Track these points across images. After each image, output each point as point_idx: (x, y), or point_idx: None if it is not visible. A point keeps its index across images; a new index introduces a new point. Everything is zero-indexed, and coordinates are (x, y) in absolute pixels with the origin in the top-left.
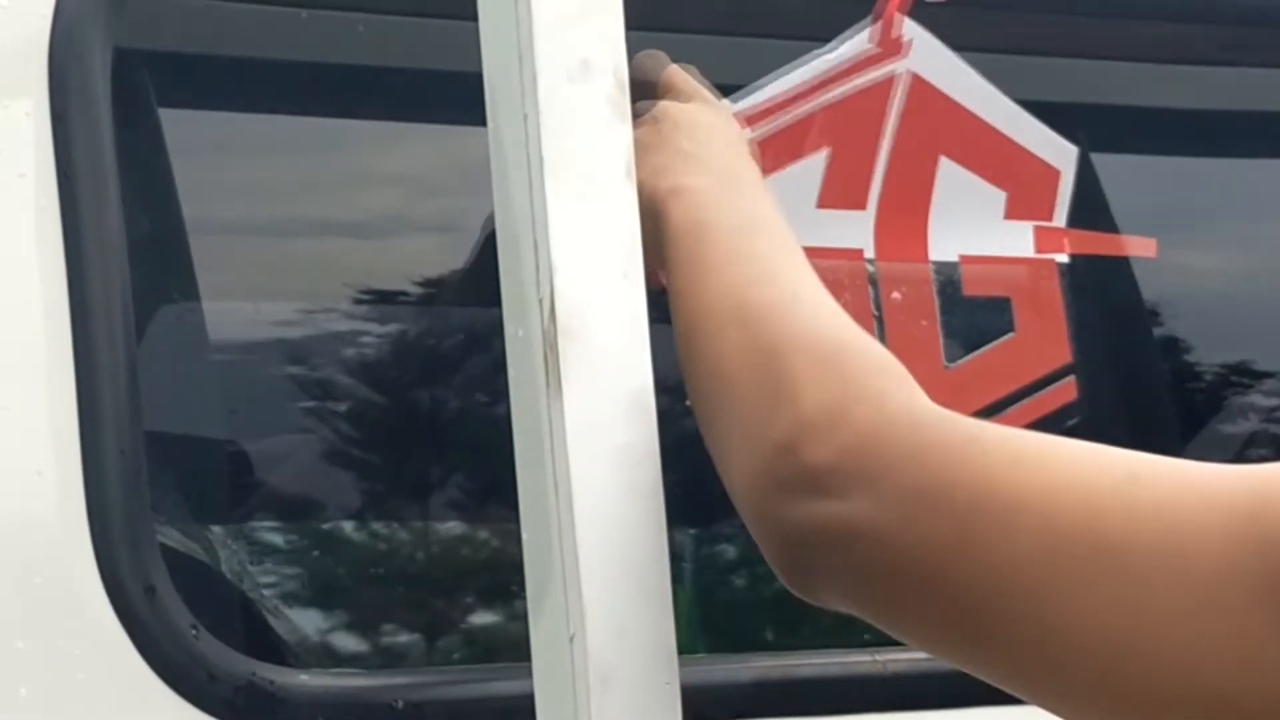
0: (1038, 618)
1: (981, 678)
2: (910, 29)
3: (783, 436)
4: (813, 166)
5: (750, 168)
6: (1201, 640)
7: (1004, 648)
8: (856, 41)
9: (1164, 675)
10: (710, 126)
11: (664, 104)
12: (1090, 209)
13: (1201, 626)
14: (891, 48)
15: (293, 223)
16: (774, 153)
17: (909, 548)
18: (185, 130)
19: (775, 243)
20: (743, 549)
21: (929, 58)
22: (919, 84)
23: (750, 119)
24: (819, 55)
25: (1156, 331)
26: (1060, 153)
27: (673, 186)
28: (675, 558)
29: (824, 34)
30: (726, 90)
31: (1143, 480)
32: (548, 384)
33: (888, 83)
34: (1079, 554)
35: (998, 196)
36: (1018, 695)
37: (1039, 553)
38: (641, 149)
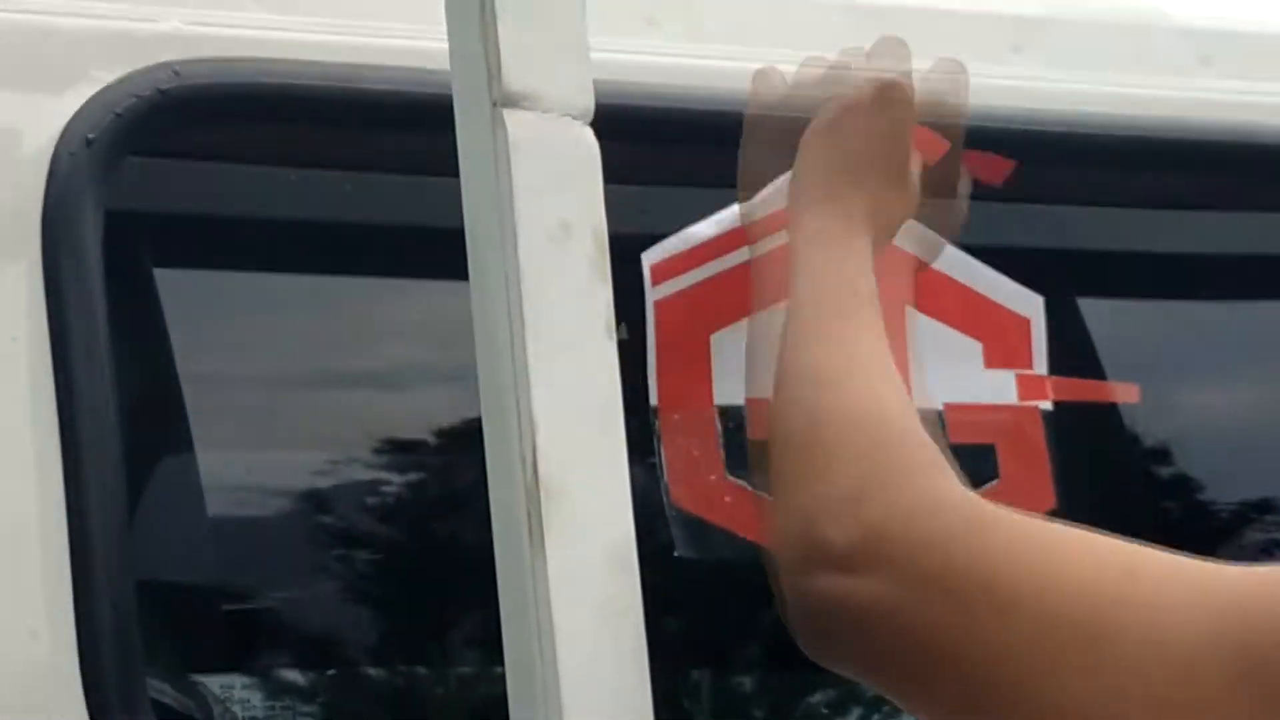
0: (1035, 701)
1: None
2: None
3: (812, 508)
4: (778, 317)
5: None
6: None
7: None
8: (779, 193)
9: None
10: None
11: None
12: (1070, 355)
13: (1186, 713)
14: None
15: (284, 378)
16: (727, 299)
17: (920, 629)
18: (177, 289)
19: (865, 318)
20: (756, 690)
21: None
22: None
23: (683, 261)
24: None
25: (1141, 475)
26: (1026, 302)
27: (816, 229)
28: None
29: None
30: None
31: (1139, 577)
32: (530, 539)
33: None
34: (1075, 645)
35: (974, 346)
36: None
37: (1038, 641)
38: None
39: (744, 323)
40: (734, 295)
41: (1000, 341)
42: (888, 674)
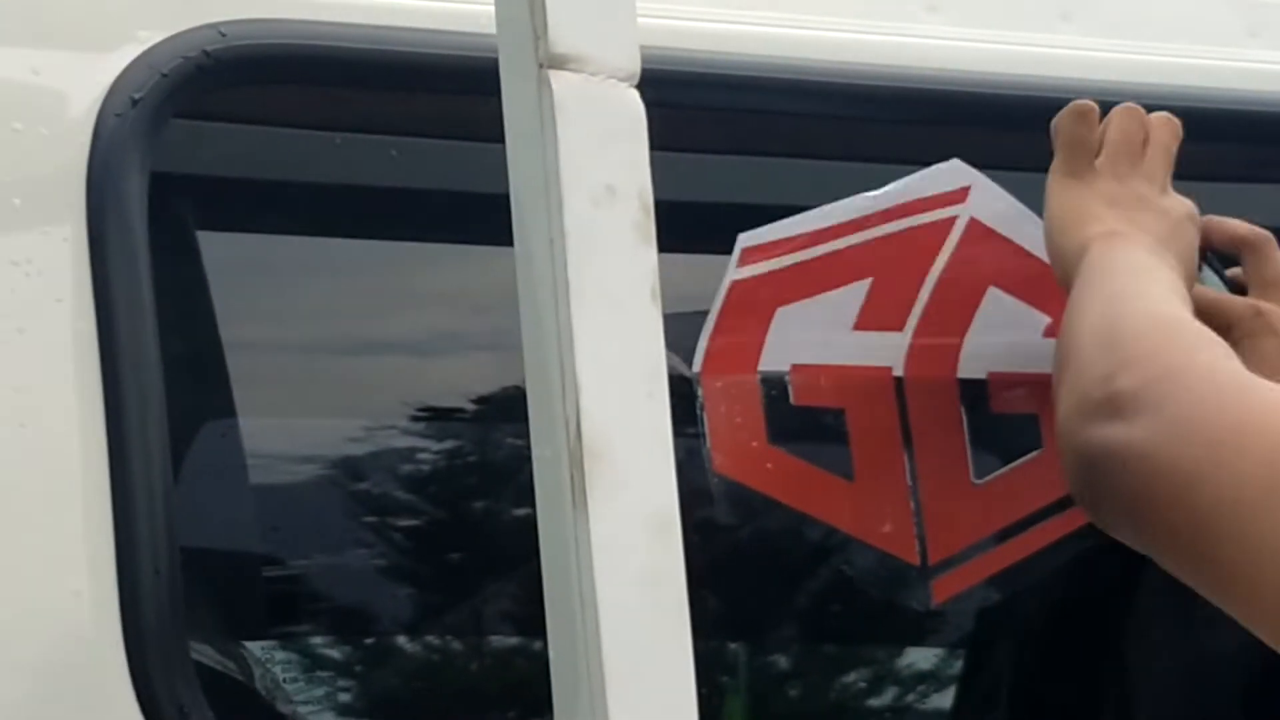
0: (1256, 539)
1: (1214, 599)
2: (970, 175)
3: (1107, 370)
4: (854, 293)
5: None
6: None
7: (1234, 560)
8: (915, 186)
9: None
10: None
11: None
12: None
13: None
14: (953, 196)
15: (328, 343)
16: (809, 279)
17: (1171, 469)
18: (220, 252)
19: (1157, 280)
20: (795, 661)
21: (990, 203)
22: (976, 226)
23: (779, 246)
24: (870, 196)
25: None
26: None
27: (1107, 231)
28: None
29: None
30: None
31: None
32: (573, 504)
33: (946, 224)
34: None
35: (1041, 320)
36: (1240, 619)
37: (1263, 475)
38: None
39: (816, 298)
40: (814, 278)
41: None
42: (1141, 523)
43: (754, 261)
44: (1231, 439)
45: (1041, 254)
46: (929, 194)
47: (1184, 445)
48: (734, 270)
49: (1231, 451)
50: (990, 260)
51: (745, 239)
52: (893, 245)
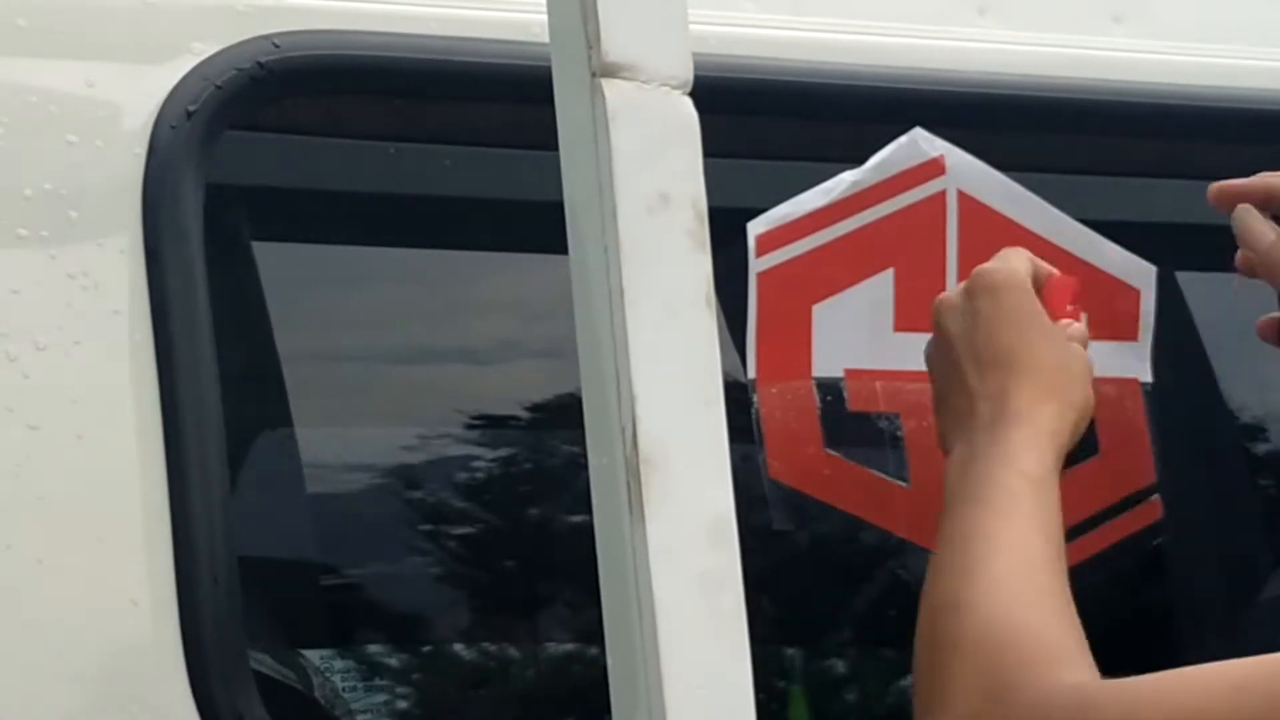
0: None
1: None
2: (940, 146)
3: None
4: (881, 287)
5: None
6: None
7: None
8: (890, 160)
9: None
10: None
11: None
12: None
13: None
14: (931, 168)
15: (383, 352)
16: (831, 270)
17: None
18: (276, 263)
19: (1022, 536)
20: (852, 666)
21: (970, 175)
22: (968, 202)
23: (790, 231)
24: (852, 172)
25: (1243, 450)
26: (1138, 273)
27: (984, 422)
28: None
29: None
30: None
31: (1248, 688)
32: (630, 511)
33: (937, 200)
34: None
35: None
36: None
37: None
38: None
39: (846, 294)
40: (837, 266)
41: (1107, 313)
42: None
43: (771, 249)
44: None
45: (1046, 231)
46: (906, 167)
47: None
48: (755, 261)
49: None
50: (996, 242)
51: (754, 226)
52: (897, 227)
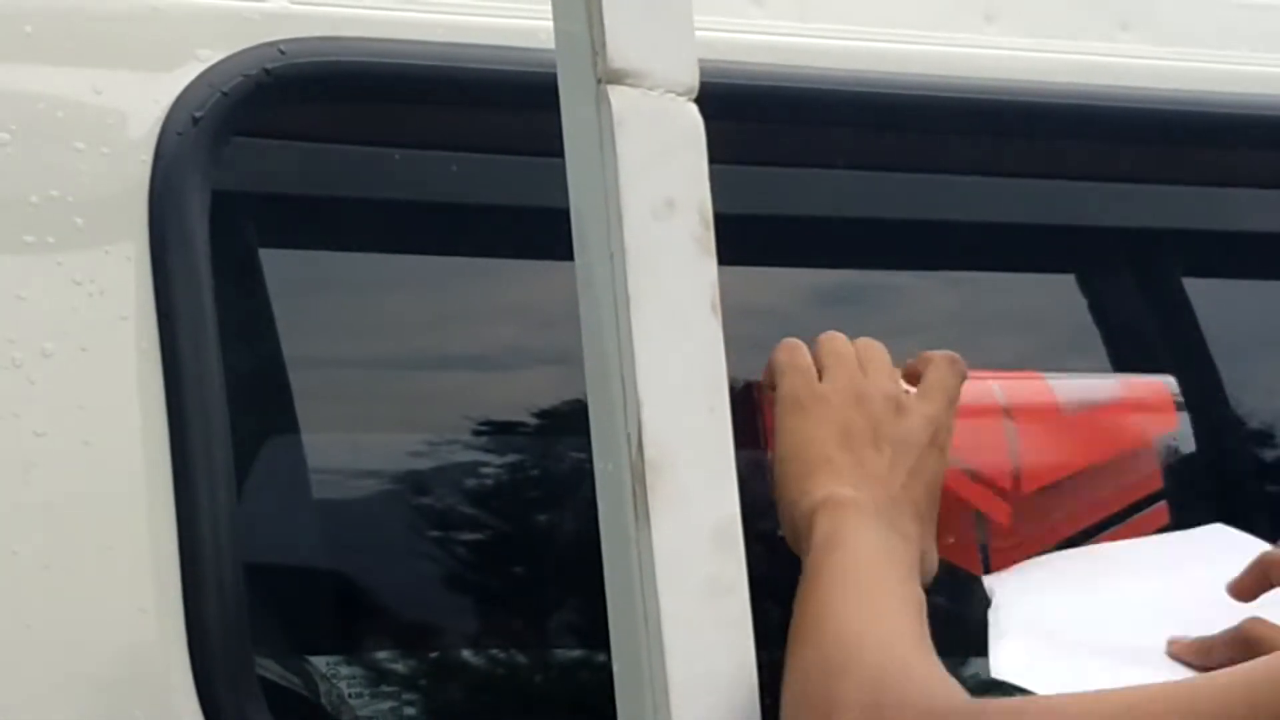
0: None
1: None
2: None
3: None
4: None
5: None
6: None
7: None
8: None
9: None
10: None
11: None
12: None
13: None
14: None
15: (388, 358)
16: None
17: None
18: (282, 269)
19: (893, 596)
20: None
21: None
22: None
23: None
24: None
25: (1250, 455)
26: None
27: (833, 498)
28: None
29: None
30: None
31: (1137, 711)
32: (636, 517)
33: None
34: None
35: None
36: None
37: None
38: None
39: None
40: None
41: (1149, 416)
42: None
43: None
44: None
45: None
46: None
47: None
48: None
49: None
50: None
51: None
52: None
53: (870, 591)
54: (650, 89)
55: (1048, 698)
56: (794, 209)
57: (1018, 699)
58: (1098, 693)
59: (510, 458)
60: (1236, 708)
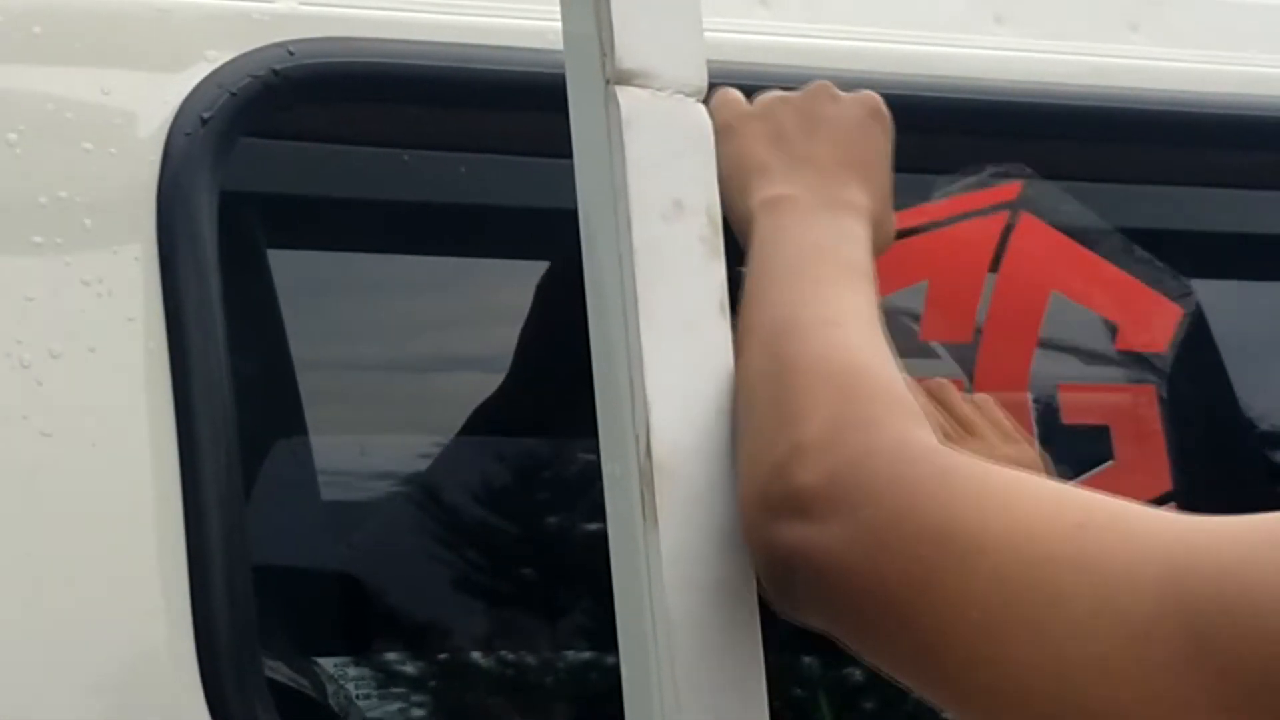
0: (990, 659)
1: (937, 706)
2: (1019, 169)
3: (780, 456)
4: (911, 297)
5: (852, 175)
6: (1133, 701)
7: (958, 684)
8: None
9: None
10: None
11: (777, 95)
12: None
13: (1132, 687)
14: (1002, 193)
15: (397, 360)
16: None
17: (875, 580)
18: (290, 270)
19: (840, 268)
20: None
21: (1040, 198)
22: (1029, 223)
23: None
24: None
25: (1258, 456)
26: (1180, 290)
27: (766, 198)
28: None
29: None
30: None
31: (1090, 529)
32: (644, 520)
33: (996, 221)
34: (1028, 599)
35: (1110, 327)
36: None
37: (993, 596)
38: (746, 139)
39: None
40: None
41: (1141, 326)
42: (848, 629)
43: None
44: (942, 555)
45: (1100, 249)
46: (979, 189)
47: (889, 557)
48: None
49: (953, 562)
50: (1049, 261)
51: None
52: (946, 242)
53: (805, 274)
54: (659, 90)
55: (1011, 480)
56: None
57: (989, 470)
58: (1060, 490)
59: (519, 459)
60: None
